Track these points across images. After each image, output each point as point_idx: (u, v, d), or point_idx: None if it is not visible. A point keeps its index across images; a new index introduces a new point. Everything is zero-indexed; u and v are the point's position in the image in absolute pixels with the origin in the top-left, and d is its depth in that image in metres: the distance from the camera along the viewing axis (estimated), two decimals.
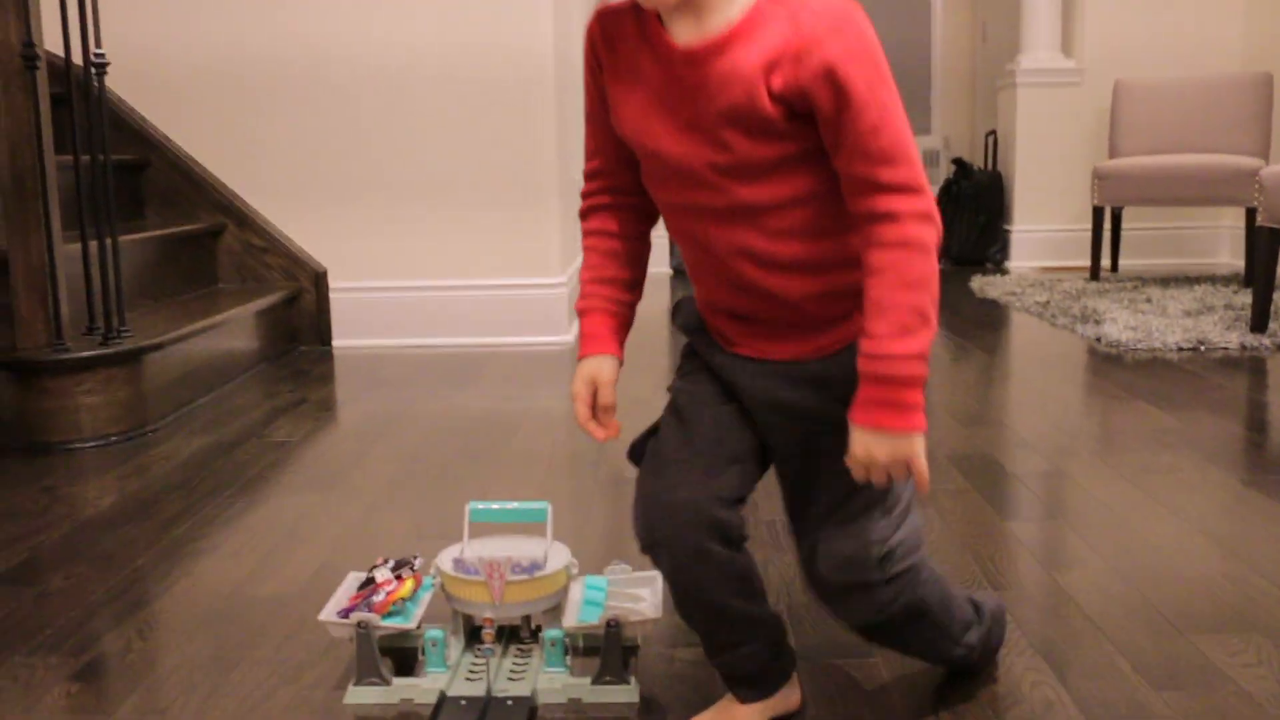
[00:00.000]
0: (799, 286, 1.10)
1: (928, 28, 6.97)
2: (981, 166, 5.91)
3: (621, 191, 1.21)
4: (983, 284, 4.79)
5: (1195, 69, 5.14)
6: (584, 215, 1.24)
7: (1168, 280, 4.76)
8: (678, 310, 1.25)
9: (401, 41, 3.57)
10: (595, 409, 1.21)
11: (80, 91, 2.68)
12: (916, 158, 1.03)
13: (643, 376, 2.94)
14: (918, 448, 1.03)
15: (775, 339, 1.14)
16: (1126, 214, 5.08)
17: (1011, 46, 5.77)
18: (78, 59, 2.61)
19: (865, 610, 1.19)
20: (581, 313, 1.23)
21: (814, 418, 1.13)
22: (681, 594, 1.19)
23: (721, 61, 1.03)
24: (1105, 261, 5.03)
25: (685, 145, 1.08)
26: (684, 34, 1.06)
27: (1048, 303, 4.15)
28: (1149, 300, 4.13)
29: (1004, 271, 5.36)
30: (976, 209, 5.62)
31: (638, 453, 1.23)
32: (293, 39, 3.58)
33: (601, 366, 1.21)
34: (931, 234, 1.02)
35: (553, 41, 3.56)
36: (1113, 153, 5.06)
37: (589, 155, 1.23)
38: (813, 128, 1.03)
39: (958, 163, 5.88)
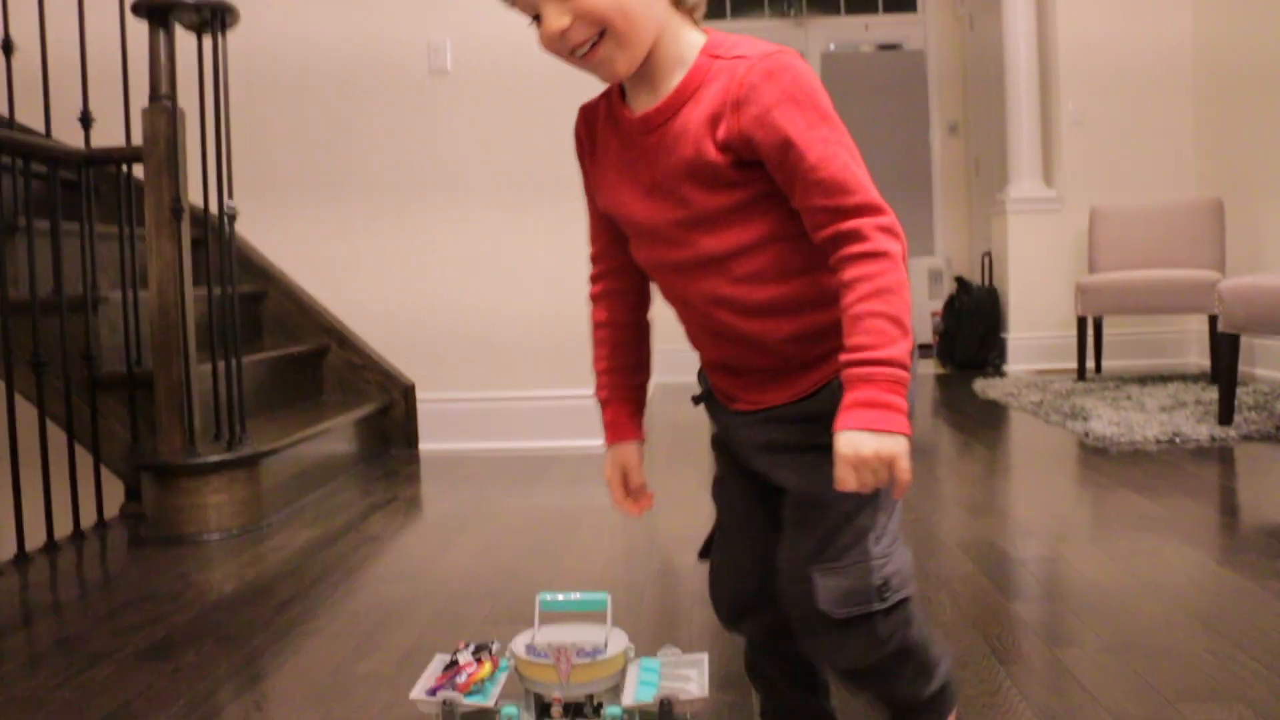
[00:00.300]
0: (776, 329, 1.02)
1: (928, 163, 7.03)
2: (980, 283, 5.90)
3: (619, 274, 1.15)
4: (984, 386, 4.75)
5: (1155, 193, 5.16)
6: (592, 301, 1.19)
7: (1144, 379, 4.70)
8: (699, 378, 1.20)
9: (468, 169, 3.66)
10: (627, 489, 1.19)
11: (215, 236, 2.78)
12: (869, 181, 0.95)
13: (687, 475, 2.95)
14: (903, 448, 0.92)
15: (766, 387, 1.06)
16: (1106, 321, 5.05)
17: (1000, 178, 5.80)
18: (214, 209, 2.71)
19: (864, 646, 1.05)
20: (601, 402, 1.19)
21: (803, 448, 1.04)
22: (750, 665, 1.20)
23: (673, 123, 0.98)
24: (1090, 363, 4.99)
25: (650, 207, 1.02)
26: (641, 103, 1.02)
27: (1041, 402, 4.10)
28: (1129, 398, 4.07)
29: (1003, 374, 5.32)
30: (977, 320, 5.60)
31: (705, 552, 1.22)
32: (378, 184, 3.69)
33: (628, 453, 1.18)
34: (897, 246, 0.94)
35: None
36: (1092, 268, 5.04)
37: (590, 241, 1.18)
38: (760, 173, 0.97)
39: (959, 280, 5.88)
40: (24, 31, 2.99)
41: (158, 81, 2.56)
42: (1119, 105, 5.28)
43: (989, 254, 5.86)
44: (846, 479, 0.92)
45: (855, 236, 0.93)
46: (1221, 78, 4.98)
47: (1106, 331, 5.08)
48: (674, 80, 0.99)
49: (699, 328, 1.09)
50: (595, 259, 1.17)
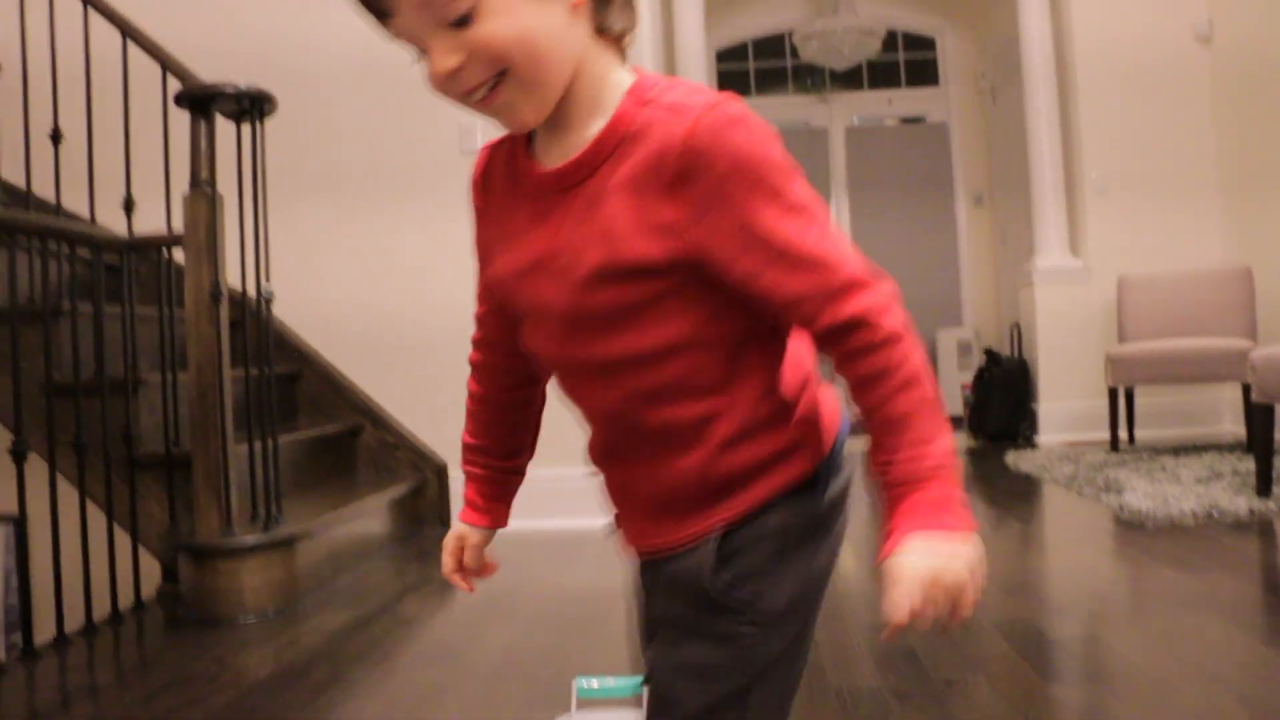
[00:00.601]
0: (673, 469, 0.85)
1: (954, 235, 7.08)
2: (1009, 354, 5.90)
3: (497, 348, 0.99)
4: (1016, 459, 4.72)
5: (1182, 260, 5.16)
6: (470, 365, 1.04)
7: (1179, 449, 4.66)
8: None
9: None
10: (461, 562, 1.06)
11: (253, 318, 2.84)
12: (848, 246, 0.79)
13: None
14: (977, 555, 0.76)
15: (648, 520, 0.91)
16: (1138, 388, 5.03)
17: (1027, 249, 5.82)
18: (252, 292, 2.77)
19: None
20: (465, 475, 1.06)
21: (677, 620, 0.91)
22: None
23: (587, 184, 0.80)
24: (1123, 433, 4.96)
25: (537, 286, 0.83)
26: (551, 155, 0.83)
27: (1074, 475, 4.07)
28: (1164, 469, 4.04)
29: (1034, 446, 5.28)
30: (1007, 392, 5.59)
31: None
32: (409, 265, 3.76)
33: (473, 534, 1.05)
34: (905, 318, 0.79)
35: None
36: (1121, 338, 5.03)
37: (478, 300, 0.99)
38: (683, 263, 0.78)
39: (988, 353, 5.88)
40: (71, 122, 3.10)
41: (198, 168, 2.64)
42: (1143, 172, 5.31)
43: (1017, 325, 5.86)
44: (906, 612, 0.76)
45: (860, 324, 0.77)
46: (1246, 143, 5.01)
47: (1138, 399, 5.06)
48: (590, 130, 0.80)
49: (600, 441, 0.95)
50: (478, 322, 1.01)
